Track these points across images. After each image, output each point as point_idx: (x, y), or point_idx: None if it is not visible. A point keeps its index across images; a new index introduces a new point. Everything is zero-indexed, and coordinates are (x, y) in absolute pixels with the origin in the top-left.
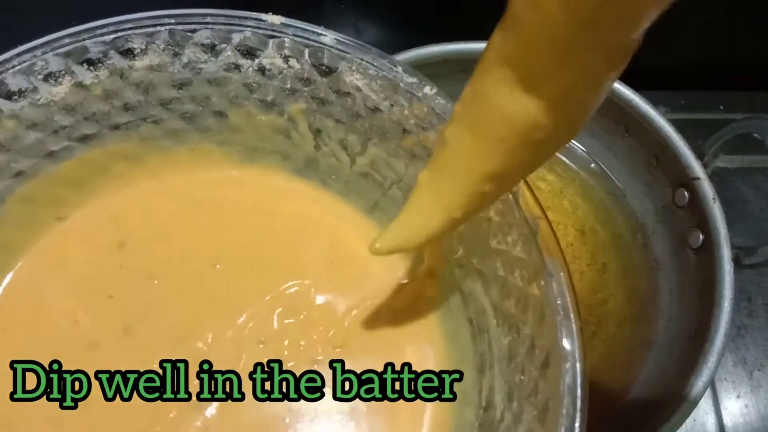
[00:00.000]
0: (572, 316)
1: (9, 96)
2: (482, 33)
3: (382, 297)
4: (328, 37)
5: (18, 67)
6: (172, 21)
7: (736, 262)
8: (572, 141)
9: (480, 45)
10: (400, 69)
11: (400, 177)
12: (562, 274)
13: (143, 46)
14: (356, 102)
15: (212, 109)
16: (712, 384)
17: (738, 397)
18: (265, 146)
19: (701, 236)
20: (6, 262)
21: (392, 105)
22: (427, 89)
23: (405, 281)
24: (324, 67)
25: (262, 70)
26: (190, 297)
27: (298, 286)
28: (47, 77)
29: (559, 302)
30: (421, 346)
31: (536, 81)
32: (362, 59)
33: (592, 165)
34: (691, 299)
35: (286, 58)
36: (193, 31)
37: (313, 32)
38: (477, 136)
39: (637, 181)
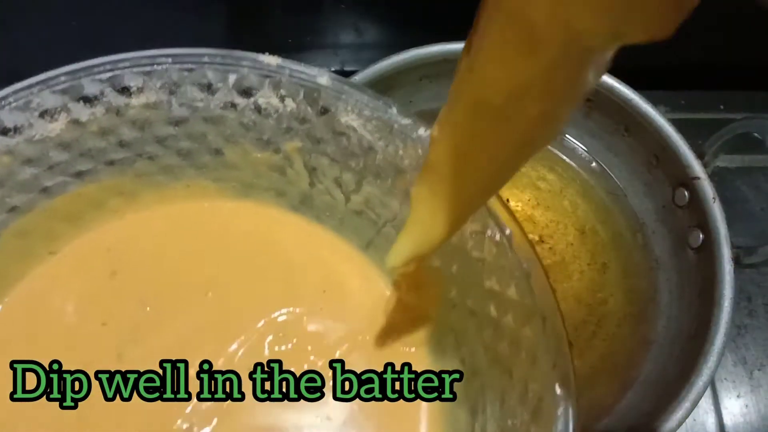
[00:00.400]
0: (566, 359)
1: (5, 132)
2: None
3: (375, 332)
4: (324, 77)
5: (14, 104)
6: (169, 60)
7: (736, 261)
8: (572, 141)
9: None
10: (394, 110)
11: (394, 215)
12: (555, 316)
13: (140, 85)
14: (351, 141)
15: (208, 146)
16: (712, 384)
17: (738, 396)
18: (261, 183)
19: (701, 236)
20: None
21: (387, 145)
22: (421, 131)
23: (399, 319)
24: (320, 107)
25: (258, 109)
26: (182, 323)
27: (289, 315)
28: (43, 114)
29: (552, 345)
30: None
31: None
32: (357, 100)
33: (593, 165)
34: (691, 299)
35: (282, 98)
36: (190, 70)
37: (309, 73)
38: (464, 130)
39: (637, 181)
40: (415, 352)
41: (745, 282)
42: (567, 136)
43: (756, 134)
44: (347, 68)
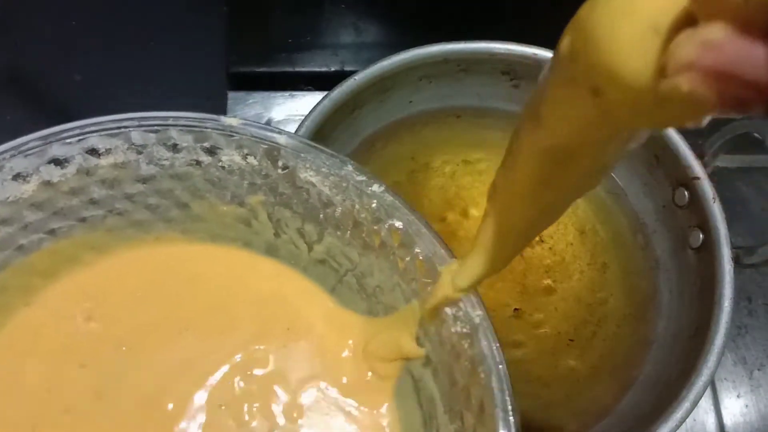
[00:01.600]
0: (510, 409)
1: None
2: (482, 33)
3: (337, 374)
4: (283, 137)
5: None
6: (135, 123)
7: (736, 261)
8: None
9: (480, 45)
10: (350, 167)
11: (354, 265)
12: (500, 367)
13: (108, 146)
14: (311, 195)
15: (176, 200)
16: (712, 384)
17: (738, 396)
18: (228, 233)
19: (701, 236)
20: None
21: (344, 200)
22: (375, 187)
23: (361, 362)
24: (280, 164)
25: (222, 166)
26: (158, 362)
27: (256, 352)
28: (16, 177)
29: (497, 395)
30: (375, 429)
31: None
32: (315, 158)
33: None
34: (691, 299)
35: (244, 156)
36: (156, 131)
37: (269, 133)
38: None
39: (637, 181)
40: (377, 394)
41: (745, 282)
42: None
43: (756, 134)
44: (347, 68)
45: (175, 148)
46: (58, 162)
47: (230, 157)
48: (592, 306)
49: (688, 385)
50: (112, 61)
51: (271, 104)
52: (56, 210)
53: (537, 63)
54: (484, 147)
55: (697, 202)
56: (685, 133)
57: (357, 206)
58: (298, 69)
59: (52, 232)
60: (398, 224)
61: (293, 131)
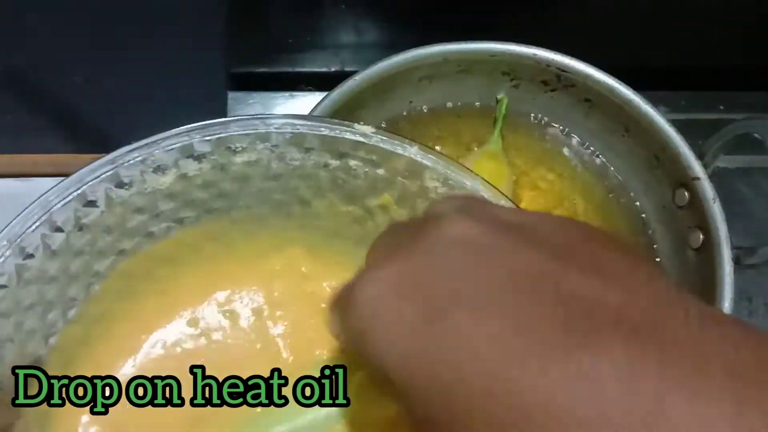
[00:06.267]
0: None
1: (121, 185)
2: (482, 33)
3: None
4: (414, 148)
5: (131, 162)
6: (273, 126)
7: (736, 262)
8: (573, 141)
9: (480, 45)
10: (479, 183)
11: None
12: None
13: (244, 145)
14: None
15: (299, 198)
16: None
17: None
18: (343, 232)
19: (701, 236)
20: (103, 330)
21: None
22: (503, 202)
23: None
24: (405, 173)
25: (348, 170)
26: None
27: None
28: (156, 170)
29: None
30: None
31: None
32: (443, 170)
33: (593, 165)
34: None
35: (372, 162)
36: (291, 134)
37: (398, 143)
38: None
39: (637, 181)
40: None
41: (746, 282)
42: (567, 135)
43: (756, 135)
44: (347, 68)
45: (307, 150)
46: (196, 157)
47: (357, 162)
48: None
49: None
50: (112, 61)
51: (271, 104)
52: (188, 201)
53: (537, 63)
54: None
55: (697, 203)
56: (685, 134)
57: None
58: (298, 69)
59: (180, 221)
60: None
61: None
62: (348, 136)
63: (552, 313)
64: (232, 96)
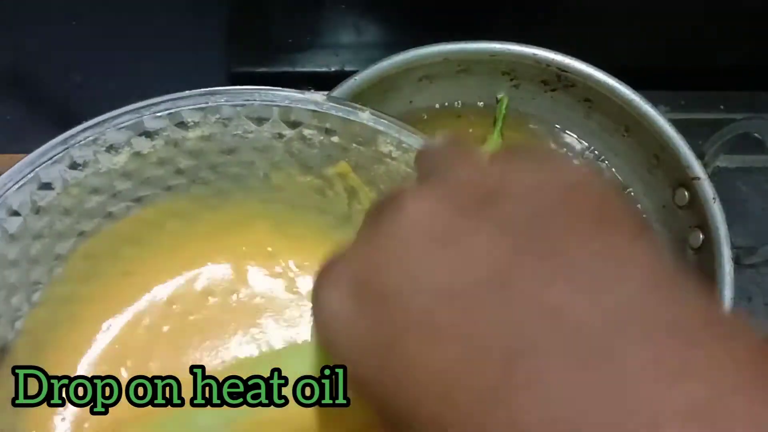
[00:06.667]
0: None
1: (74, 167)
2: (482, 33)
3: None
4: (366, 113)
5: (83, 142)
6: (223, 99)
7: (736, 262)
8: (573, 140)
9: (480, 45)
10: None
11: None
12: None
13: (196, 120)
14: (390, 168)
15: (256, 171)
16: None
17: None
18: (304, 202)
19: (701, 236)
20: (70, 312)
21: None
22: None
23: None
24: (359, 139)
25: (303, 138)
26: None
27: None
28: (109, 149)
29: None
30: None
31: None
32: (397, 134)
33: (593, 164)
34: None
35: (325, 130)
36: (242, 106)
37: (350, 109)
38: None
39: (637, 181)
40: None
41: (745, 282)
42: (567, 136)
43: (756, 134)
44: (347, 68)
45: (259, 121)
46: (148, 134)
47: (311, 131)
48: None
49: None
50: (112, 61)
51: None
52: (144, 179)
53: (537, 63)
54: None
55: (697, 203)
56: (685, 134)
57: None
58: (298, 69)
59: (139, 200)
60: None
61: None
62: (300, 105)
63: (501, 335)
64: None
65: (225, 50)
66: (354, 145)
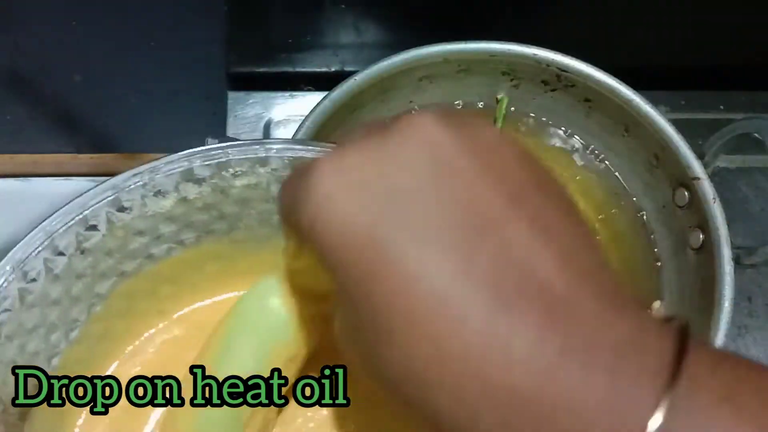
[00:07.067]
0: None
1: (122, 210)
2: (482, 33)
3: None
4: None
5: (132, 187)
6: (273, 150)
7: (736, 262)
8: (573, 140)
9: (480, 45)
10: None
11: None
12: None
13: (244, 169)
14: None
15: None
16: None
17: None
18: None
19: (701, 236)
20: (110, 349)
21: None
22: None
23: None
24: None
25: None
26: None
27: None
28: (157, 194)
29: None
30: None
31: None
32: None
33: (593, 164)
34: (691, 299)
35: None
36: (291, 158)
37: None
38: None
39: (637, 181)
40: None
41: (745, 282)
42: (567, 135)
43: (756, 134)
44: (347, 68)
45: None
46: (197, 181)
47: None
48: None
49: None
50: (112, 61)
51: (271, 104)
52: (188, 223)
53: (537, 63)
54: None
55: (697, 203)
56: (685, 134)
57: None
58: (298, 69)
59: (181, 242)
60: None
61: (293, 131)
62: None
63: (488, 268)
64: (232, 96)
65: (225, 50)
66: None
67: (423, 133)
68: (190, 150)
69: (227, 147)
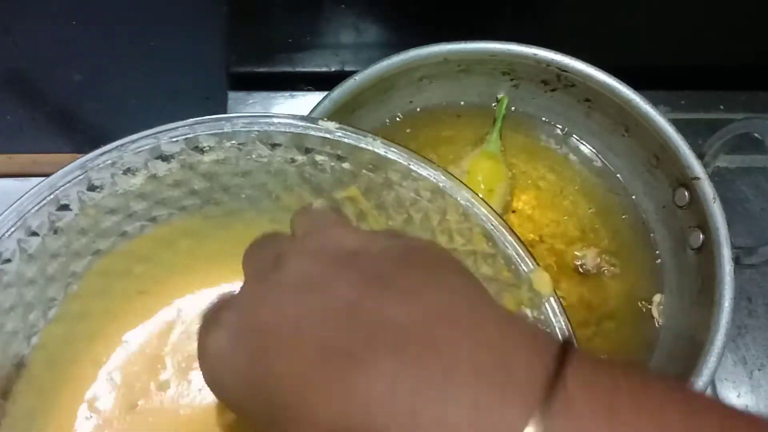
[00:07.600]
0: None
1: (92, 188)
2: (482, 33)
3: None
4: (377, 142)
5: (101, 165)
6: (239, 125)
7: (736, 262)
8: (573, 140)
9: (480, 45)
10: (440, 172)
11: None
12: None
13: (212, 144)
14: (400, 195)
15: (268, 192)
16: (712, 384)
17: (738, 396)
18: None
19: (701, 236)
20: (86, 328)
21: (430, 201)
22: (464, 193)
23: None
24: (370, 166)
25: (315, 164)
26: None
27: None
28: (126, 171)
29: None
30: None
31: None
32: (405, 162)
33: (593, 164)
34: (691, 299)
35: (337, 157)
36: (257, 132)
37: (362, 137)
38: None
39: (637, 181)
40: None
41: (745, 282)
42: (567, 135)
43: (756, 134)
44: (347, 68)
45: (273, 146)
46: (165, 158)
47: (323, 156)
48: (592, 306)
49: (688, 385)
50: (112, 61)
51: (271, 104)
52: (159, 200)
53: (537, 63)
54: None
55: (697, 203)
56: (685, 134)
57: (447, 213)
58: (298, 69)
59: (153, 219)
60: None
61: None
62: (312, 132)
63: (345, 338)
64: (232, 96)
65: (225, 50)
66: (364, 171)
67: (290, 274)
68: (156, 128)
69: (194, 123)
